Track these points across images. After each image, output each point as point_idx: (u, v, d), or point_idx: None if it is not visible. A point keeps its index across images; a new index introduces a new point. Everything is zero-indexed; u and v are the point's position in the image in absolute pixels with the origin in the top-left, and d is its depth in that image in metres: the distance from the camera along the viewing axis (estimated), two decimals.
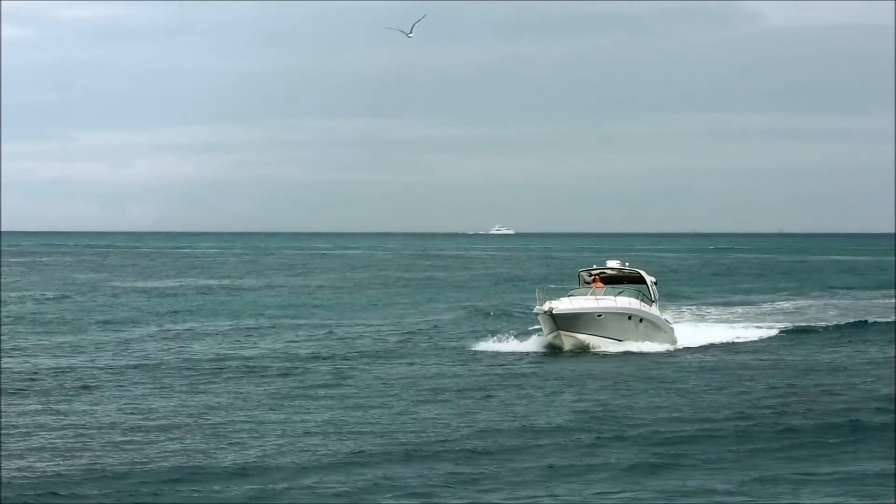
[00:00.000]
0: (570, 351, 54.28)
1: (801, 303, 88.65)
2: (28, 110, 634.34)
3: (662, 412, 38.16)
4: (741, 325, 69.24)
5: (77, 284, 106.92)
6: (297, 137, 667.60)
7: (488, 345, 56.34)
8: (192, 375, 45.90)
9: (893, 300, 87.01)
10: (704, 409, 38.77)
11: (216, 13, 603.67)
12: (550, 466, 30.07)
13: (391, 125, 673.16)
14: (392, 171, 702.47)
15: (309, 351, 54.57)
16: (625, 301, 56.44)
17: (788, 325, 68.81)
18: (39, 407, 38.15)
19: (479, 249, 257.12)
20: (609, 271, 59.74)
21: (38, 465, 29.90)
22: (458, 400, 40.57)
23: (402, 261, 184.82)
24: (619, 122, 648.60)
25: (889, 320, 70.10)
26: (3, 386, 42.31)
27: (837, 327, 67.94)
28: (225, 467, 29.71)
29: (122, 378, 44.95)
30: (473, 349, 55.58)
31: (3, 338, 58.02)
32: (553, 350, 54.83)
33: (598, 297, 56.33)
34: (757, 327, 67.26)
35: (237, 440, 33.05)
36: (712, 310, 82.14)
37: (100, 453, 31.27)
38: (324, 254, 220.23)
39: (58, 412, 37.22)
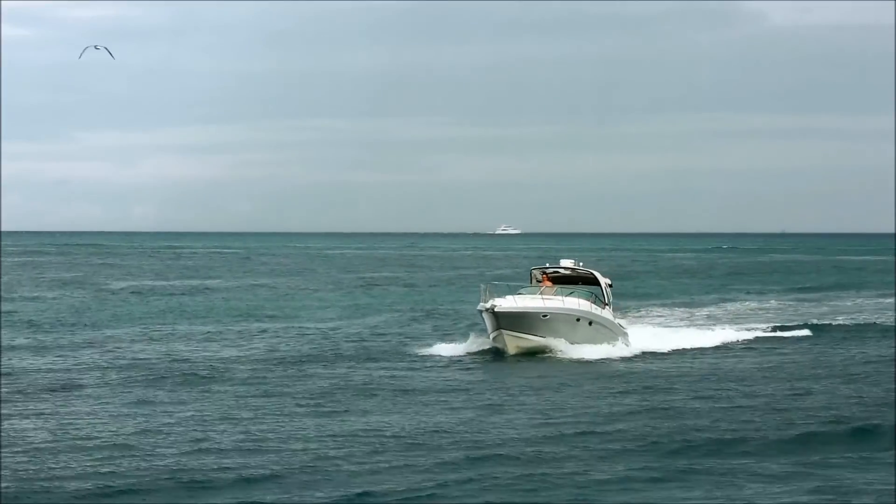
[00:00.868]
0: (515, 354, 51.21)
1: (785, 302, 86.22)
2: (31, 110, 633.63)
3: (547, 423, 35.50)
4: (725, 327, 66.07)
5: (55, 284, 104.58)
6: (299, 138, 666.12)
7: (432, 347, 53.52)
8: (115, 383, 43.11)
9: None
10: (599, 418, 36.18)
11: (217, 13, 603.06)
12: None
13: (392, 125, 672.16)
14: (394, 172, 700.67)
15: (231, 355, 51.65)
16: (574, 302, 53.41)
17: (766, 327, 65.98)
18: None
19: (468, 249, 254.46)
20: (562, 271, 56.87)
21: None
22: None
23: (386, 261, 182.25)
24: (622, 123, 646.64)
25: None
26: None
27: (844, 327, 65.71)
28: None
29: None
30: (416, 352, 52.81)
31: None
32: (496, 352, 51.94)
33: (545, 296, 53.68)
34: (738, 330, 64.09)
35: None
36: (707, 311, 79.92)
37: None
38: (324, 254, 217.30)
39: None
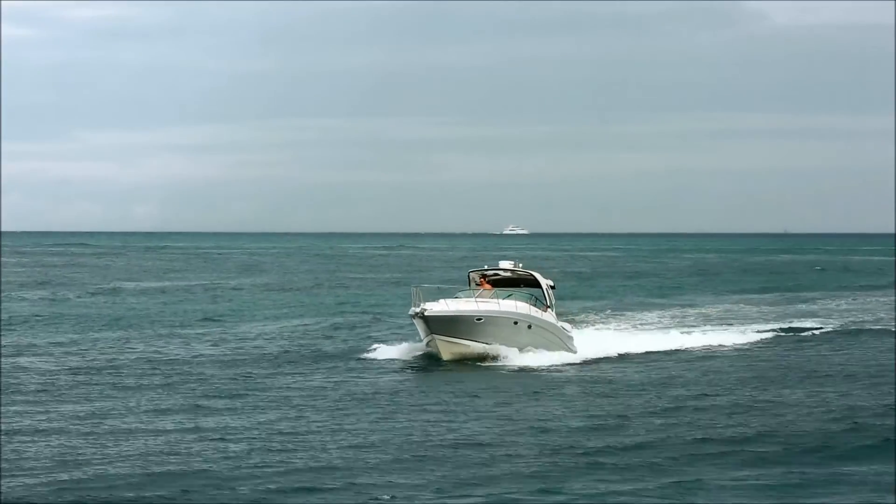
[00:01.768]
0: (450, 360, 49.22)
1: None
2: (33, 110, 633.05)
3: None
4: (694, 331, 63.89)
5: None
6: (301, 137, 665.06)
7: (365, 352, 51.65)
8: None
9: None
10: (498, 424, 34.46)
11: (216, 13, 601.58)
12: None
13: (392, 125, 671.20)
14: (395, 171, 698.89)
15: (167, 357, 50.15)
16: (510, 304, 51.30)
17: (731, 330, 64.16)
18: None
19: (453, 249, 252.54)
20: (501, 273, 54.87)
21: None
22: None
23: (372, 261, 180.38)
24: (623, 122, 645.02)
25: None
26: None
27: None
28: None
29: None
30: (354, 356, 51.08)
31: None
32: (431, 358, 50.02)
33: (479, 299, 51.78)
34: (705, 333, 62.13)
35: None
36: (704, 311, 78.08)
37: None
38: (324, 253, 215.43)
39: None
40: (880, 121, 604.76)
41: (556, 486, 26.97)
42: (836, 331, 64.95)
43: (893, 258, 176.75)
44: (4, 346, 54.20)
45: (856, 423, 35.06)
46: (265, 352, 53.15)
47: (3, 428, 33.30)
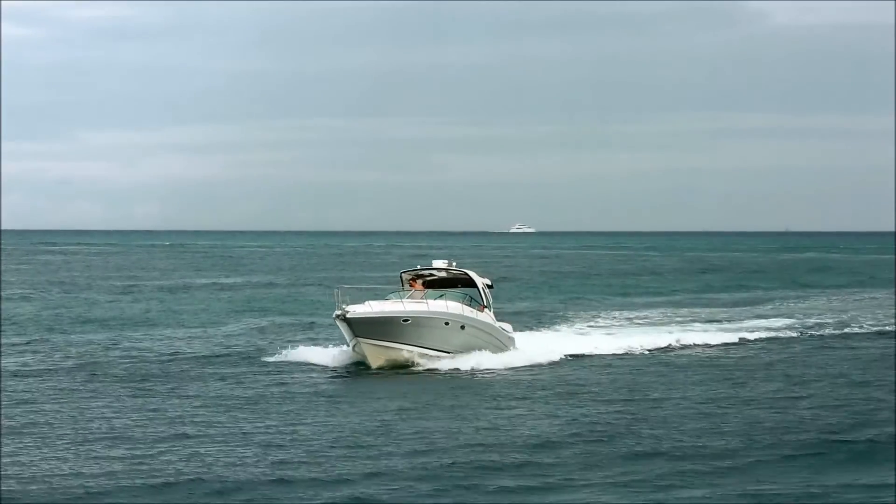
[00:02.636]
0: (379, 366, 46.85)
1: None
2: (33, 110, 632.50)
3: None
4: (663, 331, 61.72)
5: None
6: (301, 137, 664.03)
7: (294, 354, 49.23)
8: None
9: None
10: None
11: (215, 13, 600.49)
12: None
13: (392, 124, 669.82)
14: (398, 171, 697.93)
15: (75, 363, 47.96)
16: (440, 304, 48.84)
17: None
18: None
19: (468, 248, 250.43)
20: (435, 272, 52.35)
21: None
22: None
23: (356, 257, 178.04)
24: (622, 122, 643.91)
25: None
26: None
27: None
28: None
29: None
30: (277, 360, 48.86)
31: None
32: (358, 363, 47.77)
33: (406, 299, 49.61)
34: (662, 334, 59.83)
35: None
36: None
37: None
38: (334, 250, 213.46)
39: None
40: (880, 121, 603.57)
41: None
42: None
43: (894, 256, 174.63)
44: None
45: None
46: (176, 354, 51.16)
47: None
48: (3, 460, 28.74)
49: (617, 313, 75.88)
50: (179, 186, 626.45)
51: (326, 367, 47.51)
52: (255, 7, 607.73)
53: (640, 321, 70.40)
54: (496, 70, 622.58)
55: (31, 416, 35.10)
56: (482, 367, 48.07)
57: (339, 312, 46.93)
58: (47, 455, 29.62)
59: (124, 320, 67.55)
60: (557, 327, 66.28)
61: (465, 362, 48.23)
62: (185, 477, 27.16)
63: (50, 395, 39.58)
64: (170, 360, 49.21)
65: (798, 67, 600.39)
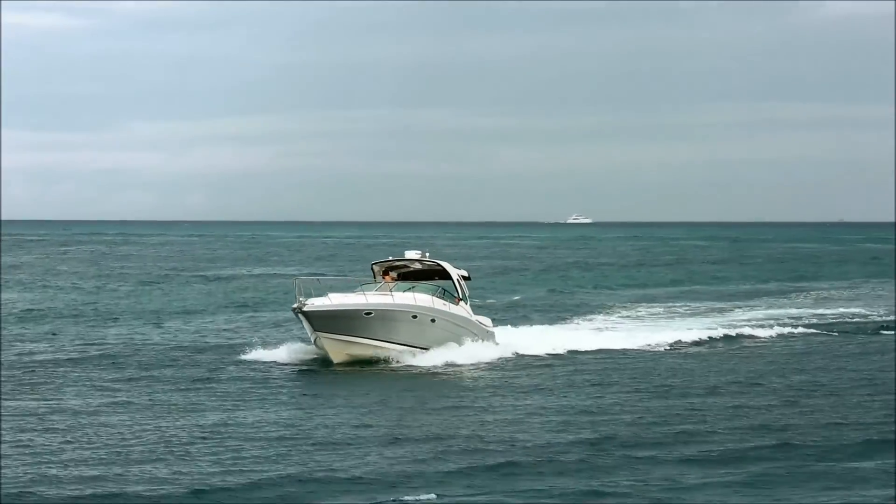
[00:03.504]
0: (341, 362, 44.12)
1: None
2: (82, 100, 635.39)
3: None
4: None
5: None
6: (347, 127, 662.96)
7: (249, 353, 46.11)
8: None
9: None
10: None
11: (263, 4, 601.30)
12: None
13: (439, 116, 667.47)
14: (446, 161, 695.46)
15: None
16: (408, 297, 45.95)
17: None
18: None
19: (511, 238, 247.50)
20: (409, 264, 49.26)
21: None
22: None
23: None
24: (672, 113, 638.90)
25: None
26: None
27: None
28: None
29: None
30: (231, 358, 46.02)
31: None
32: (320, 359, 44.87)
33: (372, 292, 46.61)
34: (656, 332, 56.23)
35: None
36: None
37: None
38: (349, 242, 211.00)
39: None
40: None
41: None
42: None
43: None
44: None
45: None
46: (145, 351, 48.66)
47: None
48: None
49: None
50: (226, 177, 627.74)
51: (278, 363, 44.67)
52: None
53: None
54: (538, 61, 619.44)
55: None
56: (457, 362, 45.39)
57: (295, 305, 44.28)
58: None
59: (130, 313, 65.26)
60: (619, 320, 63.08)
61: (437, 357, 45.51)
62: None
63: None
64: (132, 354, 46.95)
65: (852, 56, 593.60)
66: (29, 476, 25.51)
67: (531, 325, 58.80)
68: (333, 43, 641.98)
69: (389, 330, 45.21)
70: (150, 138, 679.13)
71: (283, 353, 46.05)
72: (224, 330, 57.02)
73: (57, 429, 31.13)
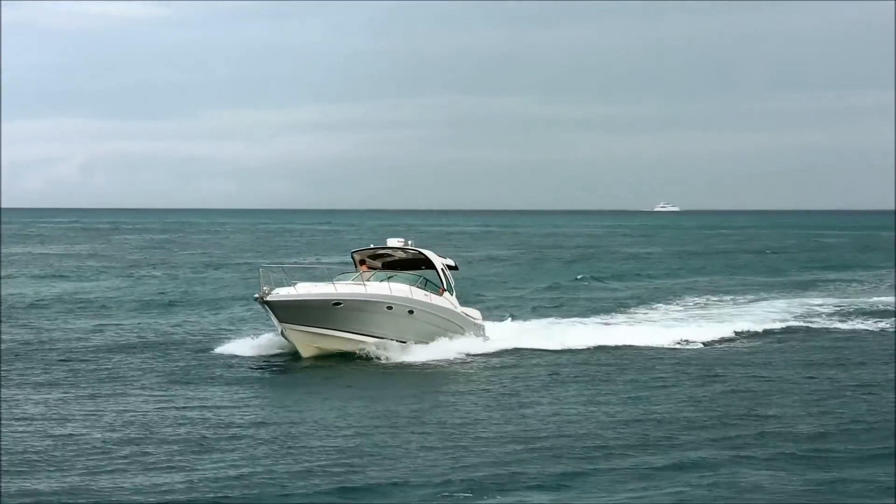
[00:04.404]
0: (310, 356, 41.60)
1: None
2: (164, 89, 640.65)
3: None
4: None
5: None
6: (426, 116, 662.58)
7: (223, 346, 43.95)
8: None
9: None
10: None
11: None
12: None
13: (517, 103, 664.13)
14: (525, 149, 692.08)
15: None
16: (383, 287, 43.27)
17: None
18: None
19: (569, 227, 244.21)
20: (391, 252, 46.52)
21: None
22: None
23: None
24: (757, 100, 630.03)
25: None
26: None
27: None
28: None
29: None
30: (205, 351, 43.76)
31: None
32: (288, 353, 42.37)
33: (344, 282, 43.69)
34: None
35: None
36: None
37: None
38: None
39: None
40: None
41: None
42: None
43: None
44: None
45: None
46: (109, 343, 46.57)
47: None
48: None
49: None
50: (307, 165, 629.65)
51: (244, 357, 42.42)
52: None
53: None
54: (618, 50, 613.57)
55: None
56: (436, 357, 42.87)
57: (257, 295, 42.05)
58: None
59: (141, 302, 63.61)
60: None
61: (416, 352, 43.00)
62: None
63: None
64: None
65: None
66: None
67: (561, 317, 56.33)
68: (411, 31, 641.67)
69: (362, 321, 42.67)
70: (230, 127, 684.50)
71: (245, 346, 43.75)
72: (211, 323, 55.03)
73: None
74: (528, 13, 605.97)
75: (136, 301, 64.22)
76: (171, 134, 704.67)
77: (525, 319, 54.70)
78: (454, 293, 46.44)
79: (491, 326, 48.74)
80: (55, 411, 31.48)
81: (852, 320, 56.36)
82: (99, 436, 28.15)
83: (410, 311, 43.82)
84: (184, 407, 32.36)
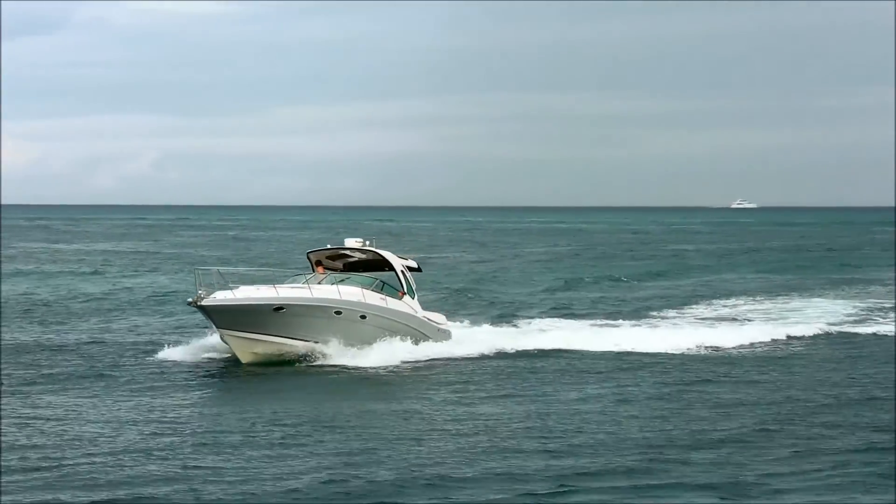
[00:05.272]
0: (250, 363, 38.89)
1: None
2: (230, 86, 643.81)
3: None
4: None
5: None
6: (489, 112, 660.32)
7: (159, 352, 41.20)
8: None
9: None
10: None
11: None
12: None
13: (582, 100, 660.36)
14: (588, 146, 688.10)
15: None
16: (331, 290, 40.39)
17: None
18: None
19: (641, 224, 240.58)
20: (349, 253, 43.77)
21: None
22: None
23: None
24: (823, 95, 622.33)
25: None
26: None
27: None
28: None
29: None
30: (157, 356, 41.10)
31: None
32: (231, 359, 39.60)
33: (286, 285, 41.11)
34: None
35: None
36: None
37: None
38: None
39: None
40: None
41: None
42: None
43: None
44: None
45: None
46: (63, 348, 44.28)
47: None
48: None
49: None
50: (373, 161, 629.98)
51: (178, 362, 39.84)
52: None
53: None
54: (681, 44, 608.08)
55: None
56: (389, 363, 40.00)
57: (191, 299, 39.56)
58: None
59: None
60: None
61: (365, 357, 40.00)
62: None
63: None
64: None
65: None
66: None
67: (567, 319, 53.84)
68: (480, 28, 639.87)
69: (306, 326, 39.78)
70: (294, 123, 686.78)
71: (180, 352, 41.11)
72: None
73: None
74: (595, 9, 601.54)
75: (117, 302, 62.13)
76: (237, 130, 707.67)
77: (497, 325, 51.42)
78: (415, 296, 43.77)
79: (465, 331, 46.25)
80: None
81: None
82: None
83: (363, 316, 41.16)
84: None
